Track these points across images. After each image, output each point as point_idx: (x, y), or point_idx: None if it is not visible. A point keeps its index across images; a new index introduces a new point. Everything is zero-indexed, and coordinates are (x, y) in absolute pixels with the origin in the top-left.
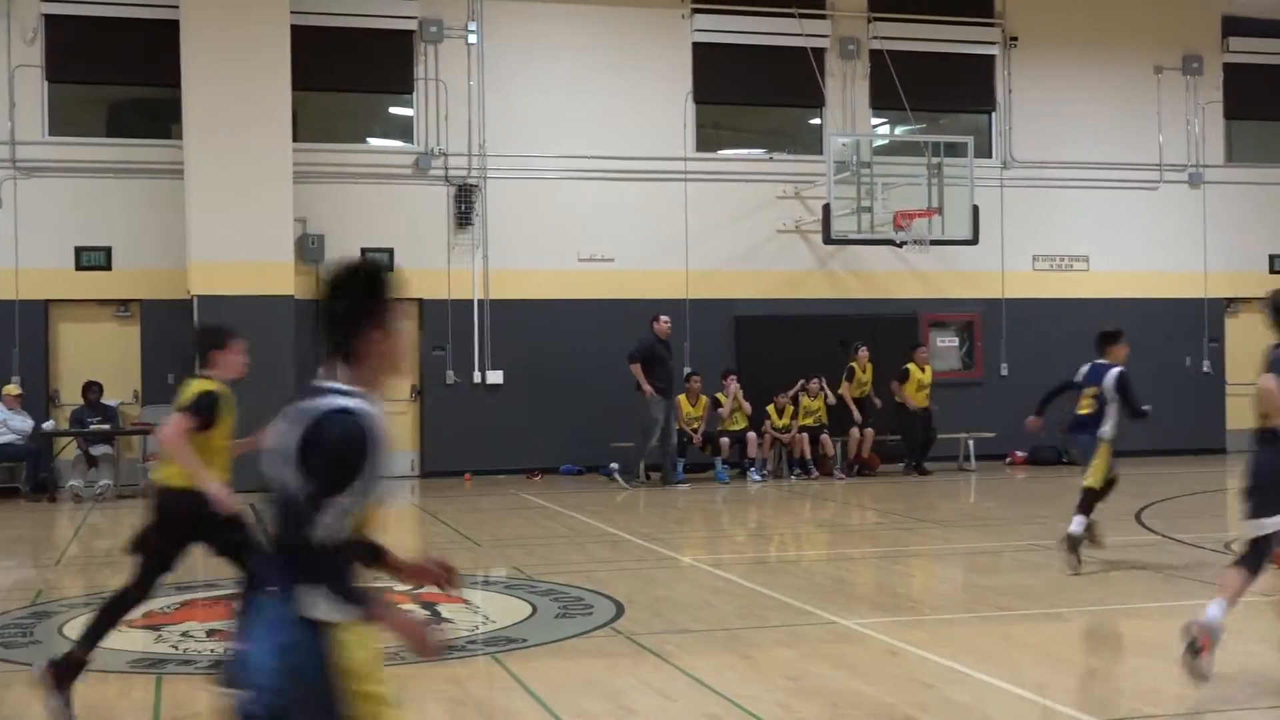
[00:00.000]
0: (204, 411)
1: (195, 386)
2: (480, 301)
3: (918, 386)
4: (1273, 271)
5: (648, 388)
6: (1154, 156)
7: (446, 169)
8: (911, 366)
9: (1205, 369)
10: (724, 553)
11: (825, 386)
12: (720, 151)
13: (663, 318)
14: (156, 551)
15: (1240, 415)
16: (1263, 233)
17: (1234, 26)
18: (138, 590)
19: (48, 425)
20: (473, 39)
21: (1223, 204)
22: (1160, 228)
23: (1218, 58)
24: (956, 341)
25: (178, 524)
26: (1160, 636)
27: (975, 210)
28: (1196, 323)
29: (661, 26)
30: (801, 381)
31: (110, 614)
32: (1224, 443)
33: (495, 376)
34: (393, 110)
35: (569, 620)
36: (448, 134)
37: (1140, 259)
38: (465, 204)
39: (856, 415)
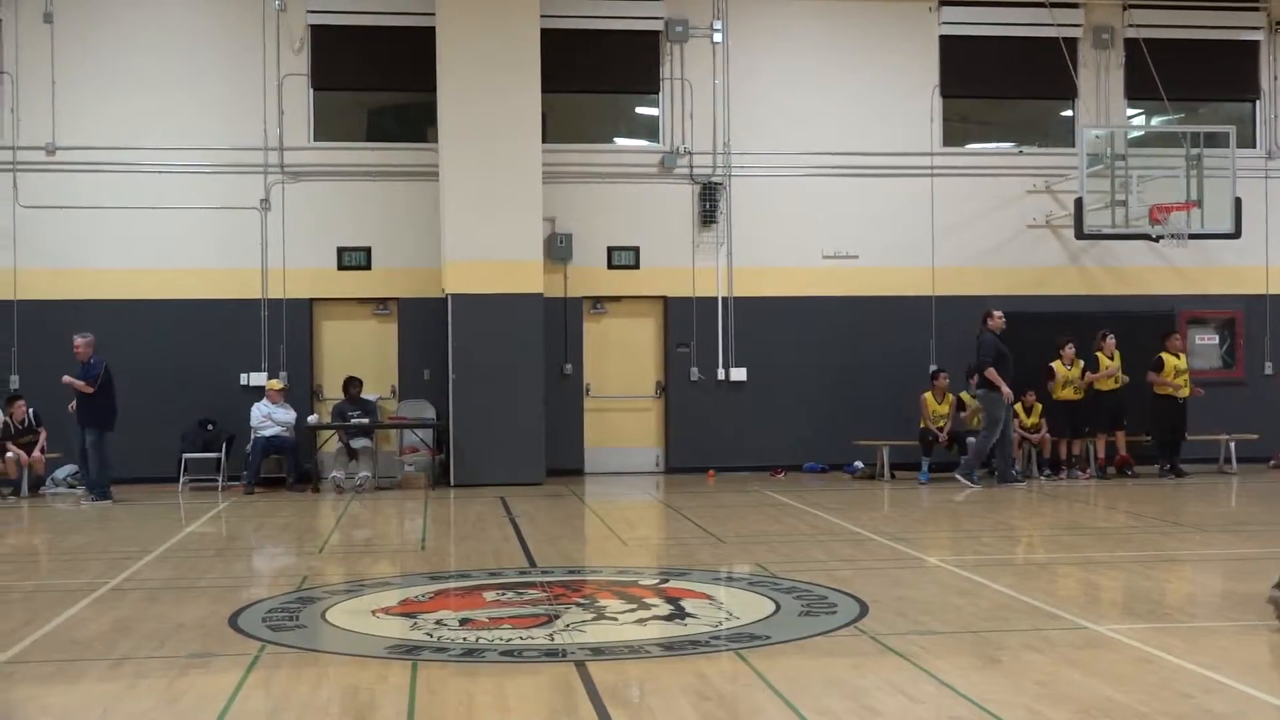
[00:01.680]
0: None
1: None
2: (724, 299)
3: (1175, 373)
4: None
5: (1006, 390)
6: None
7: (691, 167)
8: (1165, 355)
9: None
10: (969, 554)
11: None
12: (968, 146)
13: (996, 312)
14: None
15: None
16: None
17: None
18: None
19: (311, 419)
20: (718, 37)
21: None
22: None
23: None
24: (1216, 339)
25: None
26: None
27: (1238, 202)
28: None
29: (908, 19)
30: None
31: None
32: None
33: (739, 374)
34: (639, 110)
35: (812, 618)
36: (693, 133)
37: None
38: (710, 202)
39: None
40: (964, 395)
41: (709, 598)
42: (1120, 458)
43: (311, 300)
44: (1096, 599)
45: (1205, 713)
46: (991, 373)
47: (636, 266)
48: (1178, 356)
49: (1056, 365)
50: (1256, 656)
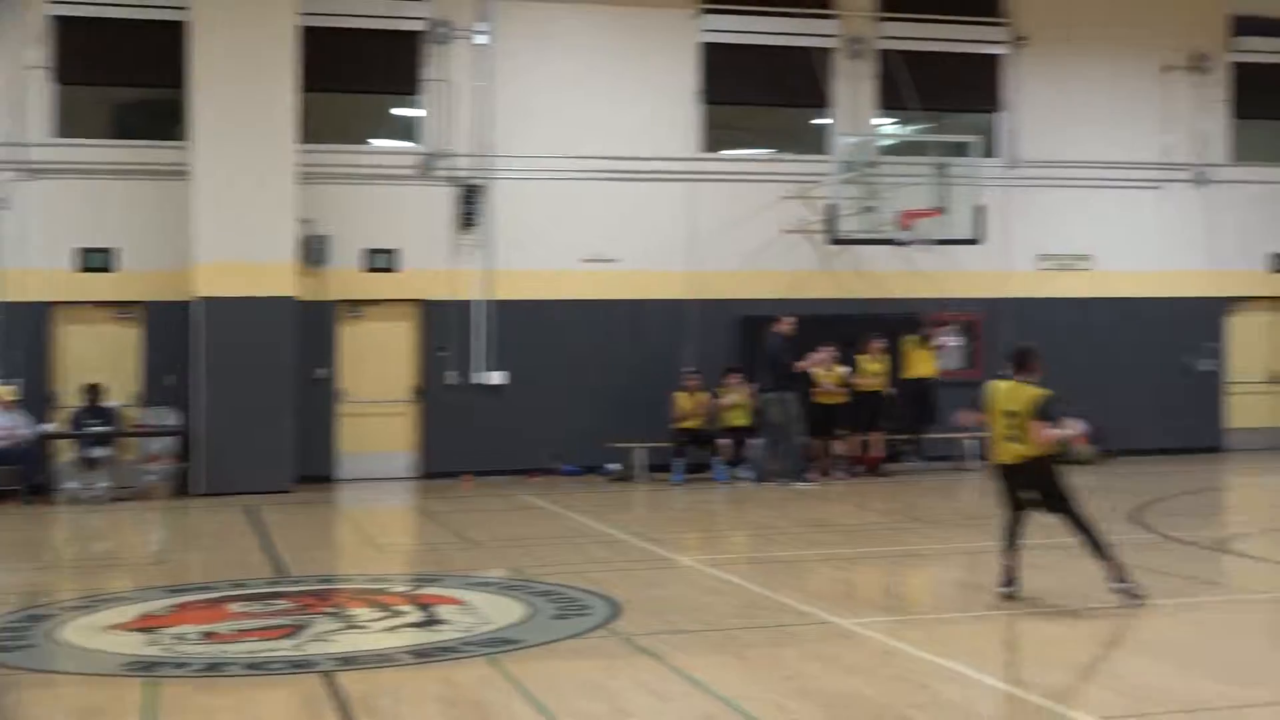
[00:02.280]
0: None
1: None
2: (483, 302)
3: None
4: (1275, 270)
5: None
6: (1158, 155)
7: (452, 170)
8: (860, 357)
9: (1206, 367)
10: (721, 553)
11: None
12: (726, 152)
13: (786, 318)
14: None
15: (1241, 414)
16: (1265, 232)
17: (1242, 25)
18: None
19: (44, 427)
20: (480, 40)
21: (1227, 203)
22: (1164, 227)
23: (1225, 57)
24: (960, 341)
25: None
26: (1156, 635)
27: (980, 210)
28: (1198, 321)
29: (670, 26)
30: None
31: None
32: (1220, 441)
33: (498, 377)
34: (399, 111)
35: (566, 621)
36: (455, 135)
37: (1143, 258)
38: (470, 205)
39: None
40: (719, 390)
41: (462, 603)
42: (871, 457)
43: (49, 304)
44: (842, 594)
45: (942, 701)
46: (802, 365)
47: (395, 269)
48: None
49: (818, 371)
50: (988, 645)
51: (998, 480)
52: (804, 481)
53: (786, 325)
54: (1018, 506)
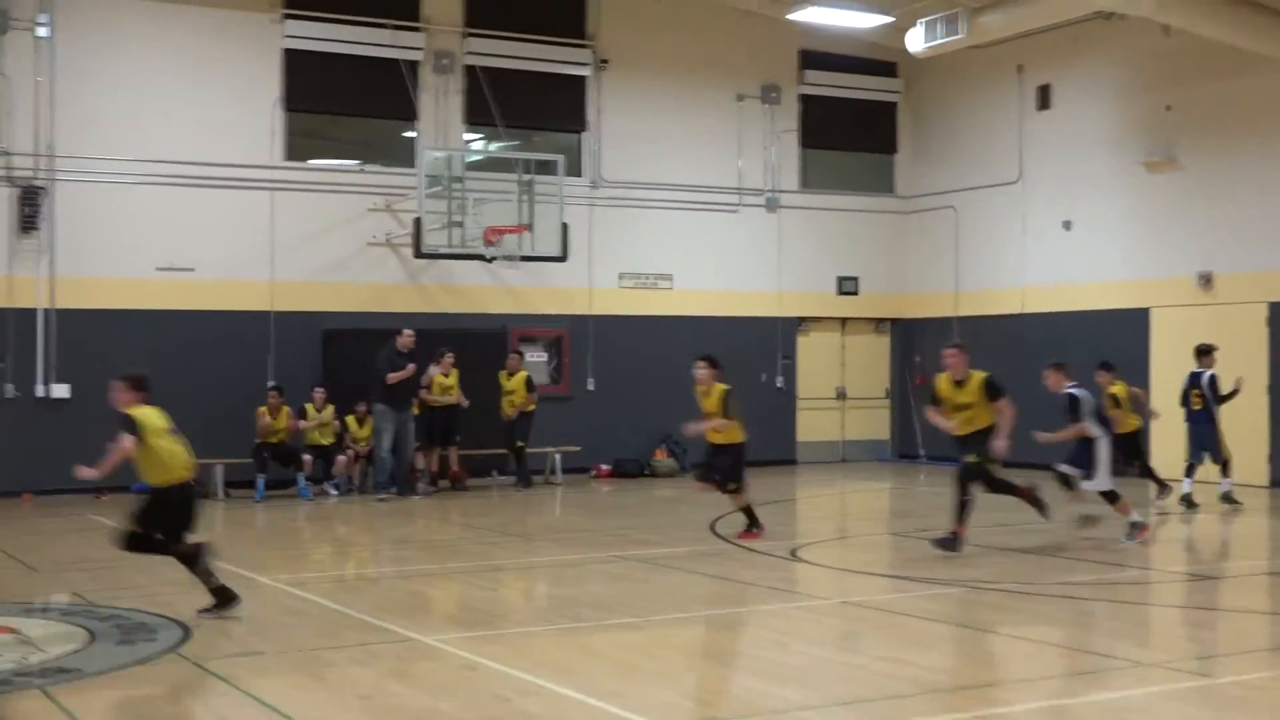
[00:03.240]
0: None
1: None
2: (46, 311)
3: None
4: (841, 293)
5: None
6: (734, 180)
7: (9, 169)
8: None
9: (779, 384)
10: (303, 571)
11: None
12: (310, 161)
13: (405, 331)
14: None
15: (809, 428)
16: (832, 256)
17: (810, 60)
18: None
19: None
20: (43, 32)
21: (797, 227)
22: (740, 249)
23: (795, 88)
24: (546, 356)
25: None
26: (732, 644)
27: (564, 228)
28: (771, 340)
29: (251, 29)
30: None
31: None
32: (794, 454)
33: (61, 390)
34: None
35: (130, 647)
36: (14, 132)
37: (721, 278)
38: (31, 207)
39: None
40: (307, 406)
41: (13, 631)
42: (453, 472)
43: None
44: (425, 611)
45: (522, 715)
46: (393, 377)
47: None
48: (510, 376)
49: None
50: (572, 658)
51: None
52: (416, 494)
53: (406, 338)
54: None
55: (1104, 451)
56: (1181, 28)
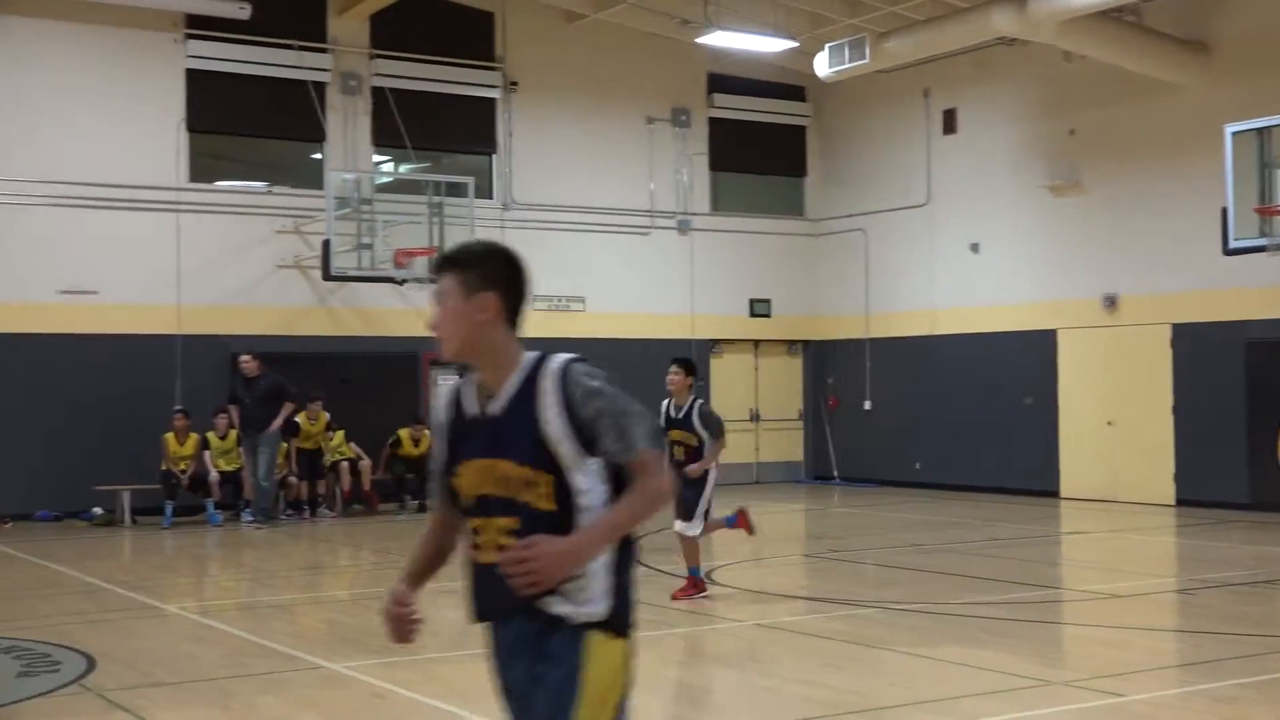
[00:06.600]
0: None
1: None
2: None
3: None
4: (753, 315)
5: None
6: (646, 203)
7: None
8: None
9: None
10: (211, 599)
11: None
12: (217, 183)
13: (243, 356)
14: None
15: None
16: (744, 278)
17: (718, 83)
18: None
19: None
20: None
21: (708, 250)
22: (652, 271)
23: (704, 112)
24: (458, 379)
25: None
26: (644, 666)
27: None
28: None
29: (154, 49)
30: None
31: None
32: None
33: None
34: None
35: (32, 678)
36: None
37: (634, 300)
38: None
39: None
40: (210, 435)
41: None
42: (365, 493)
43: None
44: (334, 638)
45: None
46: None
47: None
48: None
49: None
50: (480, 683)
51: None
52: (272, 521)
53: (249, 363)
54: None
55: None
56: (1082, 53)
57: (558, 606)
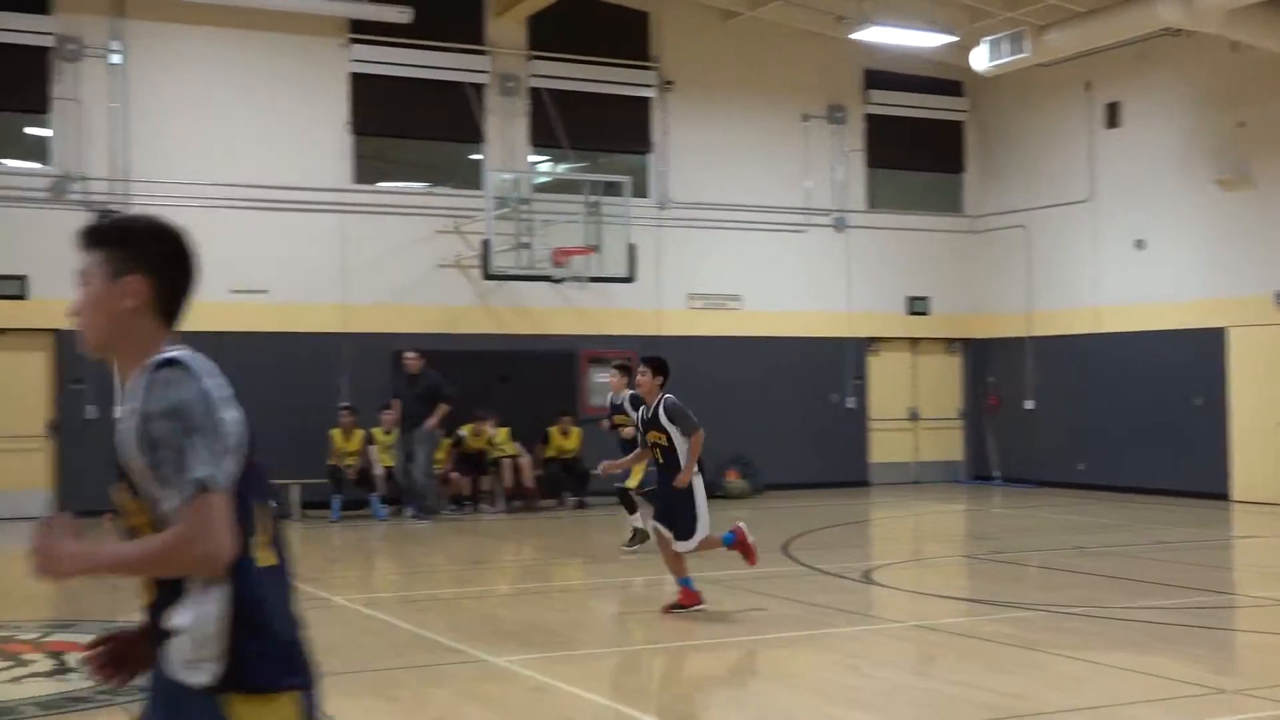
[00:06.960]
0: None
1: None
2: None
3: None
4: (911, 313)
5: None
6: (802, 200)
7: (86, 193)
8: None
9: (850, 405)
10: (379, 591)
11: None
12: (379, 184)
13: (407, 353)
14: None
15: (882, 449)
16: (902, 276)
17: (875, 79)
18: None
19: None
20: (115, 59)
21: (864, 248)
22: (808, 269)
23: (860, 109)
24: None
25: None
26: (803, 667)
27: (632, 248)
28: (841, 361)
29: (318, 54)
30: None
31: None
32: (867, 475)
33: None
34: (28, 130)
35: None
36: (90, 157)
37: (789, 299)
38: None
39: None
40: (375, 431)
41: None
42: (526, 489)
43: None
44: (496, 632)
45: None
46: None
47: (25, 296)
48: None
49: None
50: (636, 679)
51: None
52: (434, 516)
53: (412, 360)
54: None
55: None
56: (1250, 43)
57: (173, 671)
